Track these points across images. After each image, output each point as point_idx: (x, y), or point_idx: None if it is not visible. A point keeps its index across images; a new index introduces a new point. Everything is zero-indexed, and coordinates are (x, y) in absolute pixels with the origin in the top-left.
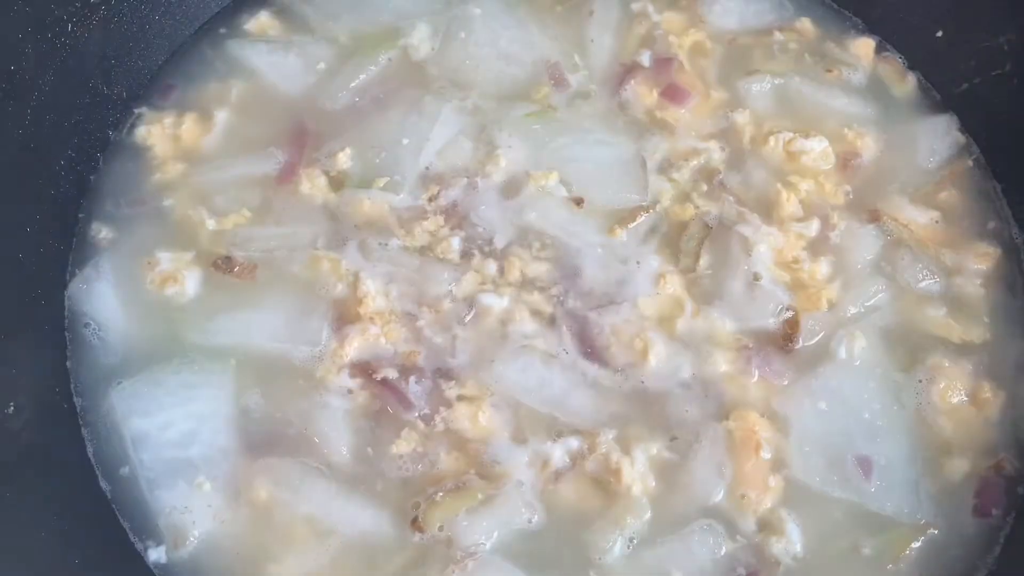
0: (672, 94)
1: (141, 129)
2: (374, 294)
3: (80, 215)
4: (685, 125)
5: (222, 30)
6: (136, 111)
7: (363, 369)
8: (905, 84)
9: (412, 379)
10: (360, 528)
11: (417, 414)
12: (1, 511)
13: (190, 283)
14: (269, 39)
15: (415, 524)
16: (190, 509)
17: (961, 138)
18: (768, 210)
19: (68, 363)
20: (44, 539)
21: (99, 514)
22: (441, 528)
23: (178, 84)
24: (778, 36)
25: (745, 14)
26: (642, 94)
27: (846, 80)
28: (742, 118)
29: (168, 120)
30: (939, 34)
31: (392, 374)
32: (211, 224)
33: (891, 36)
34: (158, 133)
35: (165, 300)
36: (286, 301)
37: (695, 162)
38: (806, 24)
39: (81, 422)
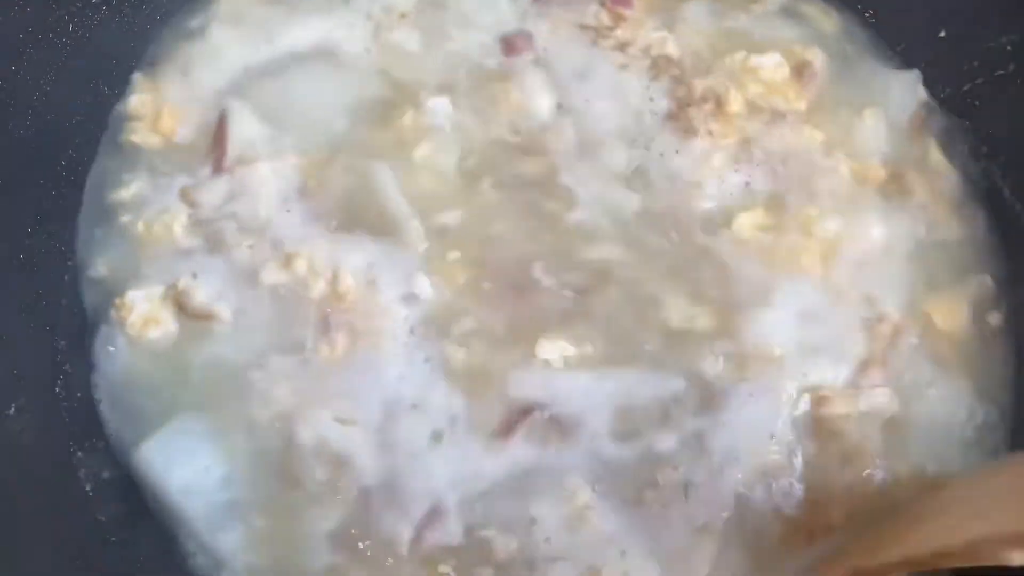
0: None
1: (133, 98)
2: (356, 287)
3: (80, 216)
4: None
5: None
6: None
7: None
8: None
9: None
10: None
11: None
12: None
13: (168, 322)
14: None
15: None
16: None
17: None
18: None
19: (66, 367)
20: (44, 542)
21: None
22: None
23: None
24: None
25: None
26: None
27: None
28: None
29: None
30: (942, 34)
31: None
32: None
33: (893, 35)
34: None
35: (153, 343)
36: (264, 316)
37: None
38: None
39: None
